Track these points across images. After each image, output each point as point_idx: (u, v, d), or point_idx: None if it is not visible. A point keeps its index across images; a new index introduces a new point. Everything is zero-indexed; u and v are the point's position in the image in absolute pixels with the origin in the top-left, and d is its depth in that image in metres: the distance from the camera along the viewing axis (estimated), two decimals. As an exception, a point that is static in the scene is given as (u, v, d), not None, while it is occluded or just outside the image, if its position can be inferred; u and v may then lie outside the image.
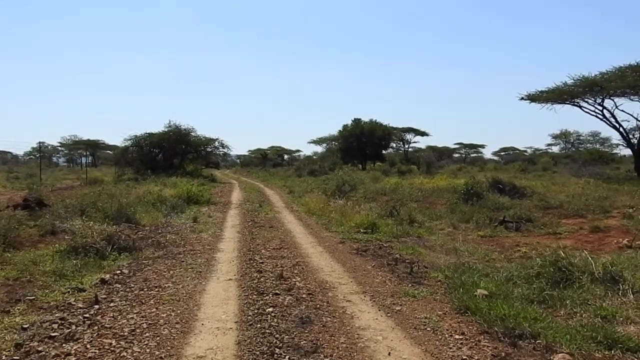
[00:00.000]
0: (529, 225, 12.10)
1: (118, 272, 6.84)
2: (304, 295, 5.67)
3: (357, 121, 51.96)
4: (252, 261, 7.62)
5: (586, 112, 30.96)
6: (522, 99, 32.84)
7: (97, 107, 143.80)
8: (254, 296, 5.62)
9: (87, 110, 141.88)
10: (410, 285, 6.37)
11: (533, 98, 32.22)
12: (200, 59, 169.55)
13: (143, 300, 5.44)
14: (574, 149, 71.29)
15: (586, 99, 30.61)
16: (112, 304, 5.28)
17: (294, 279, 6.48)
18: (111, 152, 43.23)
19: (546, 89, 31.00)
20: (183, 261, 7.65)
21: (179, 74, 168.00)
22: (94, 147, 66.95)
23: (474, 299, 5.41)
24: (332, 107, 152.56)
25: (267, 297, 5.58)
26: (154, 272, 6.87)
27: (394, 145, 65.52)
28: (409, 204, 15.78)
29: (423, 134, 66.08)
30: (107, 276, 6.50)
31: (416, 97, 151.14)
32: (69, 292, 5.85)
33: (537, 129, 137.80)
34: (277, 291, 5.82)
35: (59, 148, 76.05)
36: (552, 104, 32.39)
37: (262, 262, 7.51)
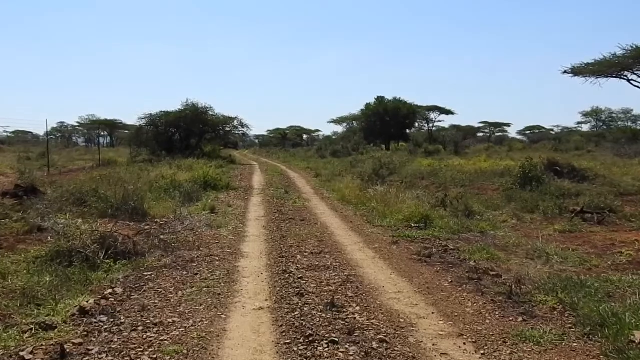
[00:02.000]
0: (613, 217, 9.96)
1: (108, 291, 4.98)
2: (374, 345, 3.70)
3: (380, 99, 49.91)
4: (287, 275, 5.70)
5: (636, 85, 28.12)
6: (565, 72, 30.02)
7: (117, 91, 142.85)
8: (300, 346, 3.67)
9: (107, 93, 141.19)
10: (520, 319, 4.38)
11: (578, 71, 29.39)
12: (217, 45, 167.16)
13: (133, 354, 3.53)
14: (605, 127, 67.86)
15: (637, 71, 27.78)
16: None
17: (350, 308, 4.54)
18: (128, 132, 41.75)
19: (593, 61, 28.20)
20: (197, 273, 5.76)
21: (197, 61, 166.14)
22: (111, 127, 65.77)
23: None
24: (352, 87, 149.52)
25: (320, 347, 3.63)
26: (157, 293, 4.99)
27: (417, 124, 63.03)
28: (454, 189, 13.79)
29: (448, 112, 63.17)
30: (91, 302, 4.63)
31: (439, 76, 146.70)
32: (31, 330, 3.99)
33: (563, 107, 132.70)
34: (332, 335, 3.87)
35: (78, 128, 75.30)
36: (597, 78, 29.58)
37: (301, 277, 5.58)
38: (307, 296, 4.89)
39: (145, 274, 5.72)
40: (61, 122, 79.64)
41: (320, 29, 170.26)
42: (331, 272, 5.86)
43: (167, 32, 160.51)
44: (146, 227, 8.75)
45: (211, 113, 33.16)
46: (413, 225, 9.14)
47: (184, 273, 5.78)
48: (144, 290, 5.10)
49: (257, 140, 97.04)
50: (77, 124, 72.80)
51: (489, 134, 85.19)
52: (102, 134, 72.11)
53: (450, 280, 5.61)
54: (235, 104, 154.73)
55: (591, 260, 6.82)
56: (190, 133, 32.86)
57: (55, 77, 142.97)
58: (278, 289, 5.16)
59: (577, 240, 8.25)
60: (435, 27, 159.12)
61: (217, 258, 6.55)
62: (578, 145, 47.17)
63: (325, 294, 4.93)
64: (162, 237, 7.39)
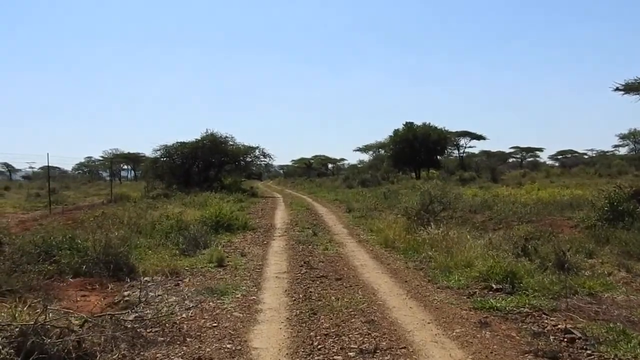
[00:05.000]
0: None
1: None
2: None
3: (409, 125, 47.68)
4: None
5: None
6: (617, 89, 27.18)
7: (141, 124, 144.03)
8: None
9: (131, 126, 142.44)
10: None
11: (632, 88, 26.51)
12: (236, 71, 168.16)
13: None
14: (644, 150, 64.09)
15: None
16: None
17: None
18: (143, 165, 40.57)
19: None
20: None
21: (219, 92, 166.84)
22: (134, 160, 65.09)
23: None
24: (378, 114, 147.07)
25: None
26: None
27: (447, 150, 60.42)
28: (519, 226, 11.18)
29: (479, 137, 60.34)
30: None
31: (466, 99, 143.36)
32: None
33: (595, 130, 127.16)
34: None
35: (106, 162, 75.07)
36: (655, 95, 26.57)
37: None
38: None
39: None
40: (89, 157, 79.94)
41: (342, 55, 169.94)
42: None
43: (189, 60, 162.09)
44: (125, 294, 6.36)
45: (231, 143, 31.92)
46: (494, 286, 6.56)
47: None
48: None
49: (281, 171, 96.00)
50: (101, 158, 72.52)
51: (520, 160, 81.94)
52: (125, 167, 71.58)
53: None
54: (258, 134, 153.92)
55: None
56: (209, 164, 31.65)
57: (83, 110, 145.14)
58: None
59: None
60: (460, 49, 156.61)
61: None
62: (620, 169, 43.88)
63: None
64: (131, 319, 4.87)
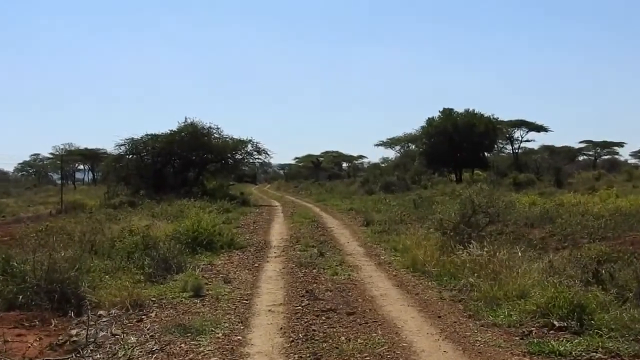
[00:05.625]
0: None
1: None
2: None
3: (447, 113, 47.73)
4: None
5: None
6: None
7: (100, 111, 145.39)
8: None
9: (88, 115, 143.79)
10: None
11: None
12: (225, 48, 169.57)
13: None
14: None
15: None
16: None
17: None
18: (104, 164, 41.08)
19: None
20: None
21: (199, 70, 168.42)
22: (92, 158, 65.50)
23: None
24: (406, 99, 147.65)
25: None
26: None
27: (497, 145, 60.27)
28: (589, 244, 11.22)
29: (540, 128, 59.97)
30: None
31: (521, 81, 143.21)
32: None
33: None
34: None
35: (56, 161, 75.62)
36: None
37: None
38: None
39: None
40: (35, 154, 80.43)
41: (359, 27, 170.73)
42: None
43: (165, 34, 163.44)
44: (72, 332, 6.37)
45: (216, 135, 32.38)
46: (556, 323, 6.57)
47: None
48: None
49: (281, 171, 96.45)
50: (51, 156, 73.09)
51: (593, 157, 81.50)
52: (80, 167, 72.07)
53: None
54: (252, 125, 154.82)
55: None
56: (188, 163, 32.17)
57: (28, 95, 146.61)
58: None
59: None
60: (514, 20, 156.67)
61: None
62: None
63: None
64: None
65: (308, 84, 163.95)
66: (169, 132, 31.57)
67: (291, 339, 6.17)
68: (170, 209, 19.46)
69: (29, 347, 5.58)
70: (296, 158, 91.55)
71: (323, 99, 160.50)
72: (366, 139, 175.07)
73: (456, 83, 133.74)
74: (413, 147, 66.00)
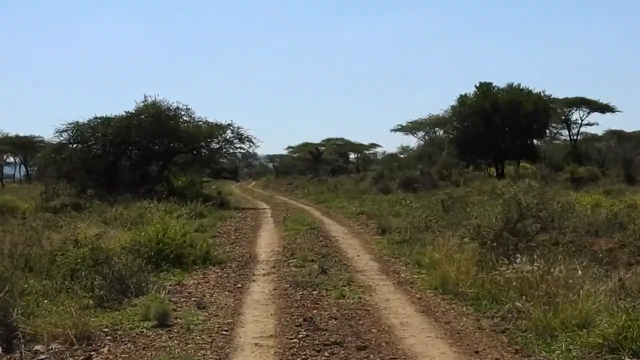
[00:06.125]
0: None
1: None
2: None
3: (485, 89, 47.74)
4: None
5: None
6: None
7: (36, 89, 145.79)
8: None
9: (22, 95, 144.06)
10: None
11: None
12: (198, 19, 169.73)
13: None
14: None
15: None
16: None
17: None
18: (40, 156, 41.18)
19: None
20: None
21: (165, 39, 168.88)
22: (26, 148, 65.75)
23: None
24: (429, 73, 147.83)
25: None
26: None
27: (550, 131, 60.43)
28: None
29: (605, 108, 60.19)
30: None
31: (576, 51, 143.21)
32: None
33: None
34: None
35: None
36: None
37: None
38: None
39: None
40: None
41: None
42: None
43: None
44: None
45: (186, 118, 32.72)
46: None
47: None
48: None
49: (271, 164, 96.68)
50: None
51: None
52: (10, 160, 71.93)
53: None
54: (234, 107, 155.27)
55: None
56: (149, 154, 32.47)
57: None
58: None
59: None
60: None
61: None
62: None
63: None
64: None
65: (303, 55, 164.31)
66: (124, 114, 31.73)
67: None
68: (126, 213, 19.62)
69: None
70: (289, 148, 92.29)
71: (323, 74, 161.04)
72: (380, 123, 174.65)
73: (492, 53, 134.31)
74: (441, 132, 66.31)
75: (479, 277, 10.18)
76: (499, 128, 46.20)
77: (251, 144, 36.20)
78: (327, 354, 7.09)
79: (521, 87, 47.97)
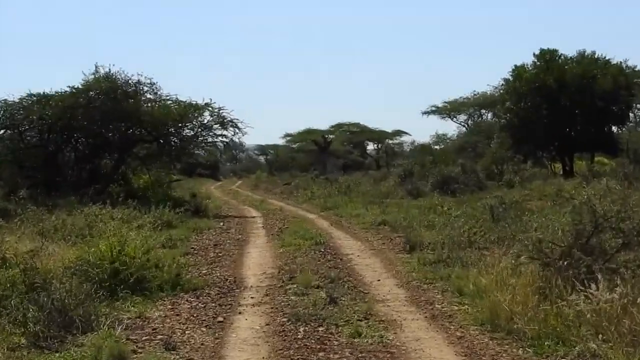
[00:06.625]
0: None
1: None
2: None
3: (548, 58, 47.60)
4: None
5: None
6: None
7: None
8: None
9: None
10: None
11: None
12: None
13: None
14: None
15: None
16: None
17: None
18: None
19: None
20: None
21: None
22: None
23: None
24: (477, 33, 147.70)
25: None
26: None
27: (635, 114, 60.60)
28: None
29: None
30: None
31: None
32: None
33: None
34: None
35: None
36: None
37: None
38: None
39: None
40: None
41: None
42: None
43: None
44: None
45: (150, 96, 32.88)
46: None
47: None
48: None
49: (262, 158, 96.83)
50: None
51: None
52: None
53: None
54: (213, 84, 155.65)
55: None
56: (101, 144, 32.72)
57: None
58: None
59: None
60: None
61: None
62: None
63: None
64: None
65: (306, 11, 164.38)
66: (68, 91, 31.79)
67: None
68: (71, 222, 19.65)
69: None
70: (287, 136, 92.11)
71: (330, 40, 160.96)
72: (407, 103, 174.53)
73: (556, 11, 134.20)
74: (489, 116, 66.23)
75: (540, 309, 10.15)
76: (566, 110, 45.89)
77: (237, 131, 36.25)
78: None
79: (596, 56, 47.84)
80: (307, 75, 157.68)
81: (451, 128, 77.27)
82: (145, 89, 32.88)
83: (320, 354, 9.18)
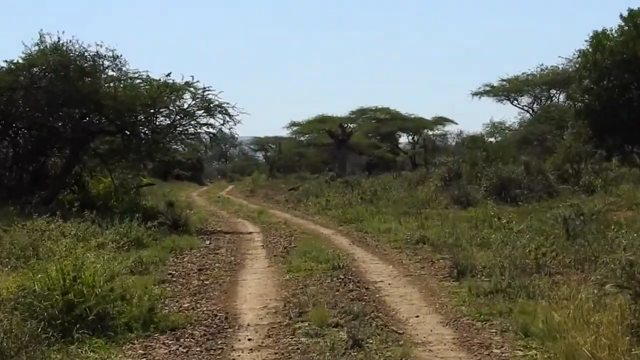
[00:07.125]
0: None
1: None
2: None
3: (638, 21, 47.48)
4: None
5: None
6: None
7: None
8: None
9: None
10: None
11: None
12: None
13: None
14: None
15: None
16: None
17: None
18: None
19: None
20: None
21: None
22: None
23: None
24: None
25: None
26: None
27: None
28: None
29: None
30: None
31: None
32: None
33: None
34: None
35: None
36: None
37: None
38: None
39: None
40: None
41: None
42: None
43: None
44: None
45: (113, 73, 33.04)
46: None
47: None
48: None
49: (261, 155, 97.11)
50: None
51: None
52: None
53: None
54: (204, 59, 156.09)
55: None
56: (49, 137, 33.03)
57: None
58: None
59: None
60: None
61: None
62: None
63: None
64: None
65: None
66: (3, 66, 32.11)
67: None
68: (9, 239, 19.71)
69: None
70: (294, 125, 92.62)
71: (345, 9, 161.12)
72: (452, 82, 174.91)
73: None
74: (561, 98, 66.07)
75: (633, 354, 10.19)
76: (665, 91, 46.06)
77: (227, 119, 36.42)
78: None
79: None
80: (319, 42, 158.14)
81: (511, 114, 76.89)
82: (107, 64, 33.01)
83: None
